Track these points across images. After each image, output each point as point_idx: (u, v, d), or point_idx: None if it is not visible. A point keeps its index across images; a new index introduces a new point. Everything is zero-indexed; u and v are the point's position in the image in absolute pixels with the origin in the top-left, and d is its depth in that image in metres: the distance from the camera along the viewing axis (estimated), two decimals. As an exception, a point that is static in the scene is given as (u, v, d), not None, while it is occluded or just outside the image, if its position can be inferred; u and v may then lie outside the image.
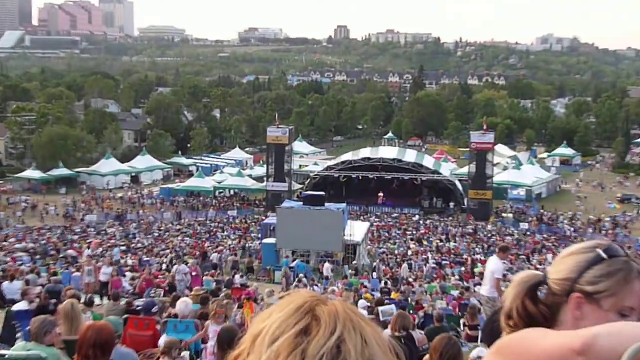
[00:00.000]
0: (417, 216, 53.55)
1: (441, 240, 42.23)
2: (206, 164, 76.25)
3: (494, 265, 10.56)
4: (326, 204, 30.96)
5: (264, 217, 45.32)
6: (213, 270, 24.83)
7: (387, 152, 59.03)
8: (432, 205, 56.84)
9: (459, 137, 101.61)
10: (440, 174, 55.07)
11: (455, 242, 41.96)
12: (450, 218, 52.75)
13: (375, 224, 48.63)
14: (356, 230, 31.88)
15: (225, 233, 43.56)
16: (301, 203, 31.86)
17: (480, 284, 22.10)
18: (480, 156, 52.21)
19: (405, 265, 29.03)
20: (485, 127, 55.25)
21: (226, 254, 32.28)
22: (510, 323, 1.59)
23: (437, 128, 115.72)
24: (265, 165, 60.30)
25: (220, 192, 60.70)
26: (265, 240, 31.94)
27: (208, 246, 36.96)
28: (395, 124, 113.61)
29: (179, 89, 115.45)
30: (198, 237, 41.69)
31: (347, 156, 58.40)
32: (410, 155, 57.34)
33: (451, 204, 55.64)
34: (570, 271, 1.54)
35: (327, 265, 27.39)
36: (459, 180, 56.48)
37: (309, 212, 29.65)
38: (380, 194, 56.45)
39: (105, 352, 4.40)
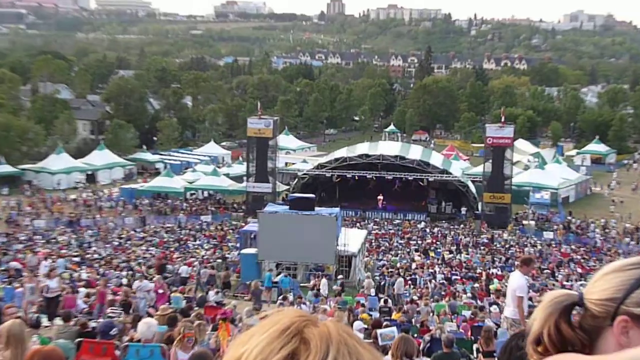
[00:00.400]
0: (422, 223, 53.73)
1: (451, 252, 42.37)
2: (175, 160, 76.02)
3: (516, 281, 10.55)
4: (317, 209, 30.97)
5: (243, 224, 45.26)
6: (182, 286, 24.79)
7: (388, 148, 59.15)
8: (440, 211, 57.01)
9: (473, 130, 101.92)
10: (451, 174, 55.25)
11: (467, 253, 42.10)
12: (462, 226, 52.94)
13: (373, 232, 48.74)
14: (352, 239, 31.88)
15: (198, 242, 43.48)
16: (287, 207, 31.85)
17: (496, 304, 22.20)
18: (498, 153, 52.37)
19: (400, 280, 28.77)
20: (503, 119, 55.46)
21: (198, 267, 32.21)
22: (540, 349, 1.58)
23: (447, 120, 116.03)
24: (245, 163, 60.23)
25: (192, 194, 60.60)
26: (245, 251, 31.90)
27: (177, 257, 36.89)
28: (398, 115, 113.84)
29: (143, 73, 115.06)
30: (165, 246, 41.59)
31: (342, 152, 58.47)
32: (415, 152, 57.50)
33: (463, 209, 55.84)
34: (616, 291, 1.53)
35: (324, 281, 27.28)
36: (472, 182, 56.64)
37: (297, 217, 29.64)
38: (380, 197, 56.55)
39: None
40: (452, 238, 47.39)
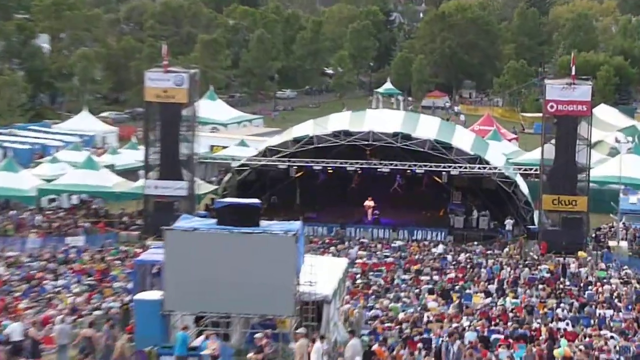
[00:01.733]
0: (441, 246, 53.73)
1: (488, 294, 42.52)
2: (23, 143, 75.45)
3: None
4: (264, 223, 30.91)
5: (138, 250, 45.04)
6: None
7: (382, 120, 59.19)
8: (469, 225, 57.21)
9: (524, 91, 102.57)
10: (487, 163, 55.46)
11: (515, 296, 42.24)
12: (506, 250, 53.09)
13: (359, 261, 48.73)
14: (323, 273, 31.91)
15: (62, 282, 43.16)
16: (214, 221, 31.75)
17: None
18: (565, 129, 52.65)
19: (355, 342, 28.21)
20: (574, 71, 55.74)
21: (60, 323, 31.97)
22: None
23: (480, 73, 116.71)
24: (141, 147, 59.96)
25: (51, 200, 60.21)
26: (141, 296, 31.75)
27: (27, 308, 36.58)
28: (400, 66, 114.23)
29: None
30: (6, 289, 41.22)
31: (305, 129, 58.43)
32: (428, 127, 57.61)
33: (507, 222, 56.04)
34: None
35: (318, 345, 26.72)
36: (523, 176, 56.88)
37: (230, 238, 29.55)
38: (370, 203, 56.59)
39: None
40: (489, 270, 47.58)
